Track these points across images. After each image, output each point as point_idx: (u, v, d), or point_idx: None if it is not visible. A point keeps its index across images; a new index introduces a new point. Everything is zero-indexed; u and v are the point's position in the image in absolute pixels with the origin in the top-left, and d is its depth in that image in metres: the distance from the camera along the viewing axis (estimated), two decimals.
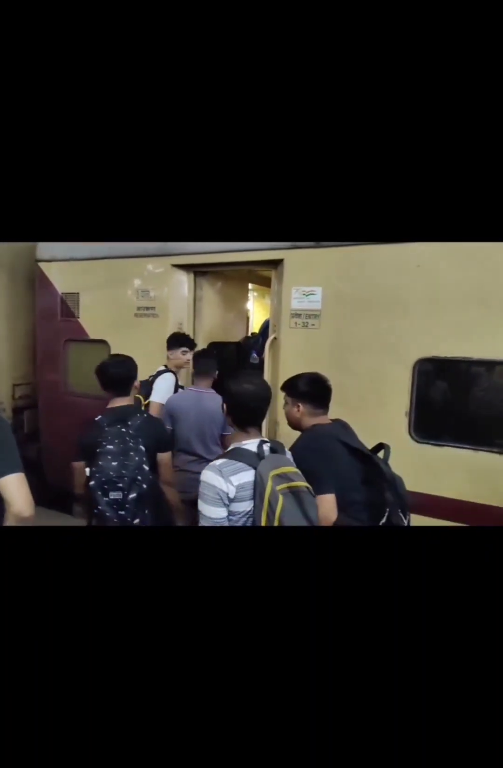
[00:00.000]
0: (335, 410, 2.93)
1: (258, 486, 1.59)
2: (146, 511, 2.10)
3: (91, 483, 2.06)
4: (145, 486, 2.08)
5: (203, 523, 1.64)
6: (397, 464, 2.75)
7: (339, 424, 2.19)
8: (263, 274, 4.01)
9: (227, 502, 1.61)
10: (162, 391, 3.18)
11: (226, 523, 1.63)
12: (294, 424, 2.19)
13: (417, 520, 2.68)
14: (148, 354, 3.55)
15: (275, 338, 3.24)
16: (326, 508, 1.88)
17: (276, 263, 3.19)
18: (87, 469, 2.11)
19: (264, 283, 4.45)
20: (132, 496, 2.05)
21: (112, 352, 3.76)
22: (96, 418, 2.22)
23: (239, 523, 1.64)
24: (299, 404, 2.12)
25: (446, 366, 2.69)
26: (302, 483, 1.67)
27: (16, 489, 1.60)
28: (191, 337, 3.49)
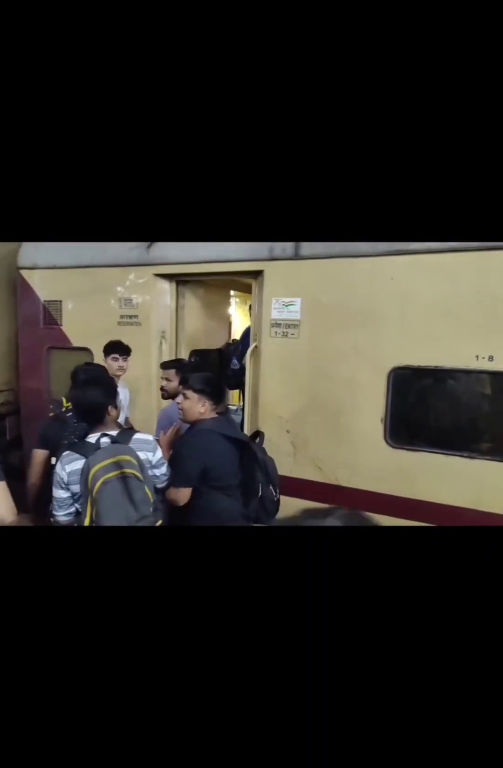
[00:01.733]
0: (314, 417, 3.05)
1: (84, 472, 1.93)
2: None
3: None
4: None
5: (53, 501, 2.07)
6: (374, 468, 2.88)
7: (223, 417, 2.53)
8: (245, 282, 4.09)
9: (63, 486, 2.01)
10: None
11: (70, 501, 2.05)
12: (191, 418, 2.45)
13: (396, 524, 2.80)
14: (131, 361, 3.59)
15: (255, 347, 3.33)
16: (180, 496, 2.32)
17: (256, 274, 3.28)
18: (53, 459, 2.31)
19: (246, 289, 4.52)
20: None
21: (96, 359, 3.80)
22: (67, 414, 2.42)
23: (79, 502, 2.03)
24: (203, 399, 2.39)
25: (419, 374, 2.80)
26: (131, 470, 1.98)
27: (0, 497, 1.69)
28: (126, 344, 3.34)
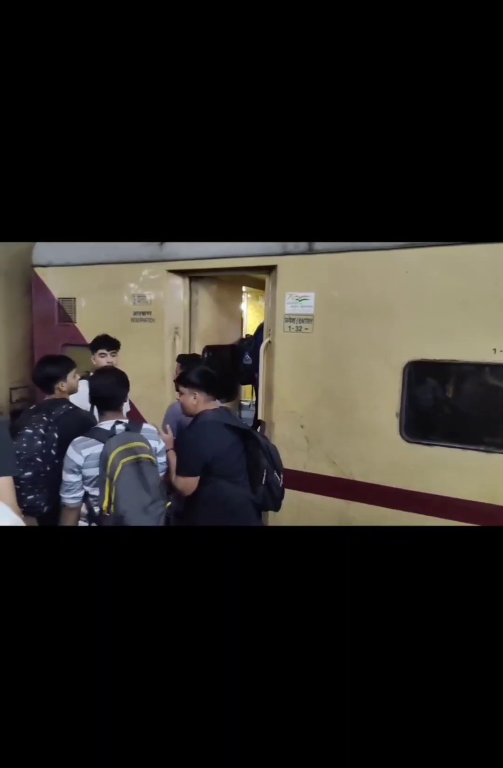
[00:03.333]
0: (328, 412, 3.04)
1: (103, 456, 2.03)
2: (44, 490, 2.29)
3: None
4: (47, 467, 2.28)
5: (62, 485, 2.12)
6: (389, 463, 2.87)
7: (224, 409, 2.62)
8: (257, 277, 4.09)
9: (76, 470, 2.09)
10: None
11: (79, 486, 2.11)
12: (189, 412, 2.57)
13: (411, 518, 2.79)
14: (144, 357, 3.62)
15: (269, 342, 3.32)
16: (187, 486, 2.40)
17: (270, 269, 3.27)
18: None
19: (258, 285, 4.51)
20: (27, 473, 2.26)
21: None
22: (30, 407, 2.53)
23: (90, 486, 2.11)
24: (195, 393, 2.48)
25: (434, 368, 2.78)
26: (145, 455, 2.09)
27: (4, 492, 1.70)
28: (113, 338, 3.16)
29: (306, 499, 3.15)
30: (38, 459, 2.29)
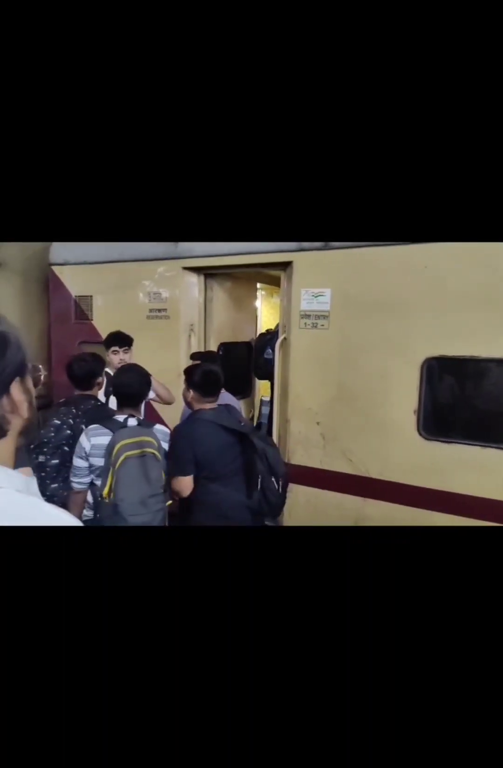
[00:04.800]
0: (345, 408, 3.03)
1: (109, 446, 2.12)
2: (68, 479, 2.33)
3: (31, 447, 2.40)
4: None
5: (72, 469, 2.22)
6: (406, 461, 2.84)
7: (222, 407, 2.56)
8: (271, 274, 4.08)
9: (84, 455, 2.18)
10: None
11: (86, 472, 2.20)
12: (187, 405, 2.61)
13: (429, 517, 2.76)
14: (159, 354, 3.64)
15: (285, 338, 3.31)
16: (181, 486, 2.36)
17: (285, 265, 3.25)
18: None
19: (273, 282, 4.50)
20: (54, 461, 2.34)
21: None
22: (60, 401, 2.61)
23: (95, 474, 2.20)
24: (191, 391, 2.48)
25: (453, 365, 2.74)
26: (150, 450, 2.18)
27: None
28: (126, 334, 3.14)
29: (322, 497, 3.14)
30: (65, 448, 2.36)
